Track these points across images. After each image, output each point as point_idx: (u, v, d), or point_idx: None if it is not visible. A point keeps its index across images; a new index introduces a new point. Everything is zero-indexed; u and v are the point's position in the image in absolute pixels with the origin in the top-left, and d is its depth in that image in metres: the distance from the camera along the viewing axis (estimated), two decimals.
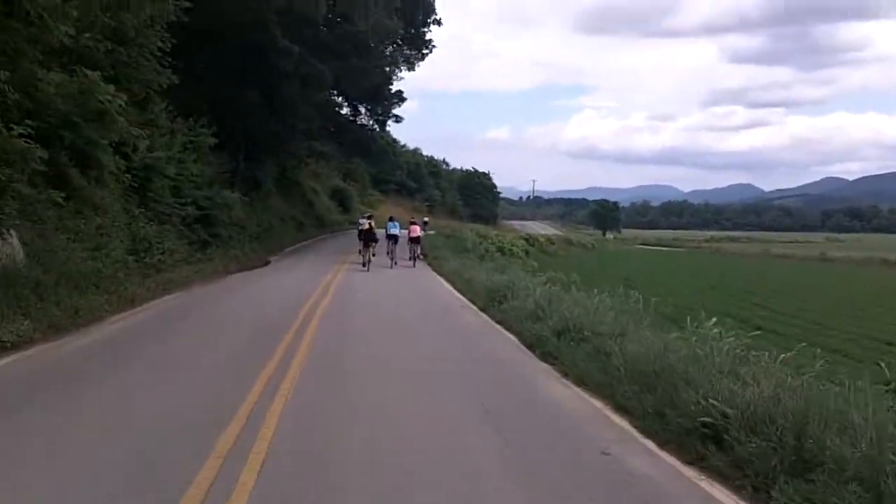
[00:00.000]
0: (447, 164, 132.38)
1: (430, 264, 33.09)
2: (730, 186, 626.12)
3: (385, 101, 56.53)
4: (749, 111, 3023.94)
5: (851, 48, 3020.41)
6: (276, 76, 35.88)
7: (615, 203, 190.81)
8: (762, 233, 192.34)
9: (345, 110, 57.46)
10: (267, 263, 30.40)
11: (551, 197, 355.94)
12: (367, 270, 28.98)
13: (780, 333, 26.12)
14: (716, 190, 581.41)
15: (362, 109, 57.68)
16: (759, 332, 26.98)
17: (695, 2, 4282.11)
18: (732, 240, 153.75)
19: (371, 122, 58.77)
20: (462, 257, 33.62)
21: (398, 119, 59.82)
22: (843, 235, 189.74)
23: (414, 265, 32.01)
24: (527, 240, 77.40)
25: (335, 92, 51.15)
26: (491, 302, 17.58)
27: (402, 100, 58.47)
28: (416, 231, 33.60)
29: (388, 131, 71.43)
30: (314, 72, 37.81)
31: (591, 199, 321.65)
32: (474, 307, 18.70)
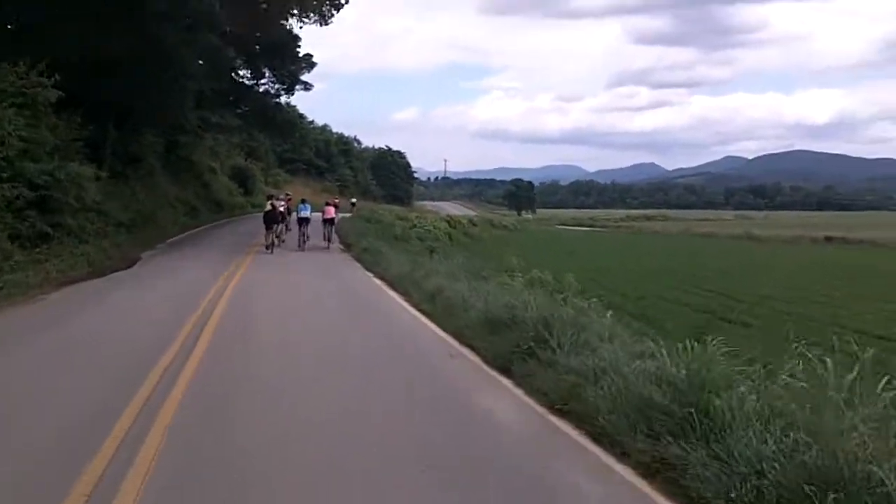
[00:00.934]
0: (359, 143, 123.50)
1: (360, 259, 25.21)
2: (634, 166, 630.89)
3: (292, 65, 47.93)
4: (653, 92, 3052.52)
5: (751, 29, 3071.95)
6: (150, 16, 27.26)
7: (530, 183, 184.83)
8: (675, 211, 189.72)
9: (243, 73, 48.50)
10: (134, 263, 22.08)
11: (460, 177, 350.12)
12: (271, 253, 26.78)
13: (762, 329, 20.96)
14: (620, 169, 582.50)
15: (265, 72, 48.82)
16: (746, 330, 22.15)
17: None
18: (648, 218, 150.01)
19: (276, 89, 49.86)
20: (400, 249, 26.04)
21: (307, 87, 50.98)
22: (751, 213, 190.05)
23: (328, 247, 30.10)
24: (448, 222, 71.11)
25: (232, 48, 42.41)
26: (516, 354, 9.09)
27: (312, 65, 49.92)
28: (331, 212, 31.79)
29: (295, 107, 62.25)
30: (200, 8, 29.22)
31: (499, 178, 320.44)
32: (484, 366, 9.78)
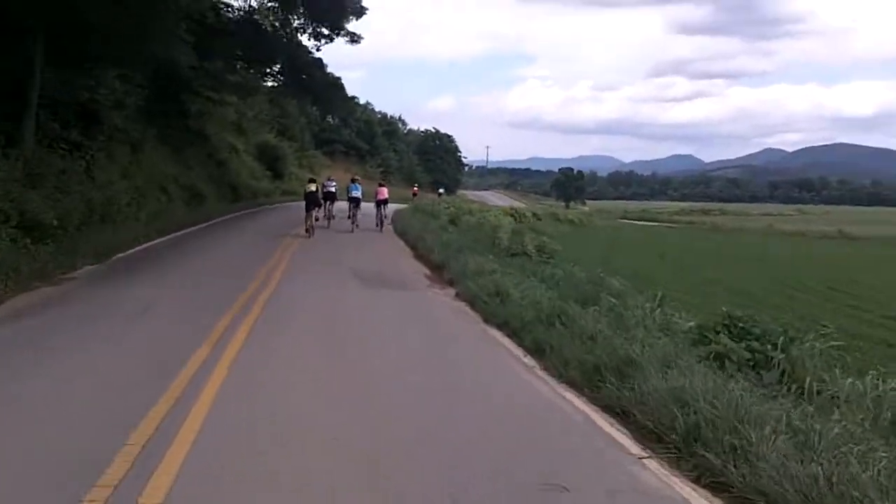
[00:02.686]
0: (404, 123, 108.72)
1: (504, 326, 10.46)
2: (671, 157, 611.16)
3: (336, 7, 33.98)
4: (691, 82, 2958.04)
5: (795, 19, 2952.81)
6: None
7: (580, 172, 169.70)
8: (733, 205, 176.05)
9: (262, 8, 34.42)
10: None
11: (494, 166, 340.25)
12: (309, 237, 23.47)
13: None
14: (657, 160, 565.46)
15: (295, 14, 34.79)
16: None
17: None
18: (704, 212, 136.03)
19: (312, 30, 35.63)
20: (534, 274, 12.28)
21: (354, 38, 36.90)
22: (808, 207, 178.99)
23: (381, 230, 27.98)
24: (513, 215, 58.82)
25: None
26: None
27: (361, 11, 36.08)
28: (384, 194, 29.80)
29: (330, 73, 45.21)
30: None
31: (534, 168, 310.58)
32: None
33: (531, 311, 10.19)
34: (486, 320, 11.09)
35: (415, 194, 56.10)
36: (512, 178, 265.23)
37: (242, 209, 34.72)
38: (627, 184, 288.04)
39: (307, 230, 24.00)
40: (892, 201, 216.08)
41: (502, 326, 10.47)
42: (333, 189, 29.41)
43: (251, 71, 39.38)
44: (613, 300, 10.89)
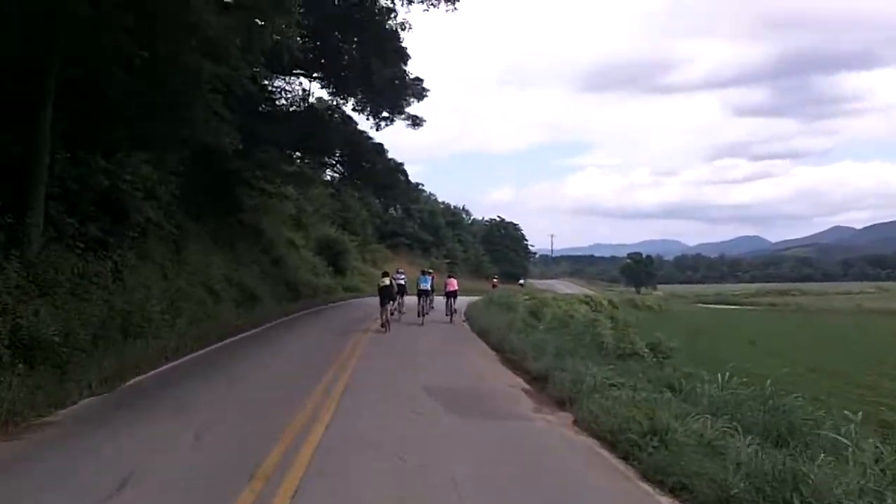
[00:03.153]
0: (468, 213, 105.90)
1: None
2: (736, 238, 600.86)
3: (394, 80, 31.33)
4: (752, 164, 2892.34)
5: (852, 98, 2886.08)
6: None
7: (648, 257, 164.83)
8: (807, 284, 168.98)
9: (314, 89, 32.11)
10: None
11: (558, 254, 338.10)
12: (386, 332, 22.85)
13: None
14: (722, 242, 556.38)
15: (351, 101, 32.40)
16: None
17: (694, 58, 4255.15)
18: (781, 293, 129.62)
19: (370, 113, 33.05)
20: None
21: (416, 122, 34.15)
22: (884, 284, 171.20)
23: (451, 321, 27.39)
24: (588, 303, 55.30)
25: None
26: None
27: (422, 92, 33.39)
28: (454, 285, 29.56)
29: (392, 158, 38.39)
30: None
31: (597, 255, 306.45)
32: None
33: (723, 464, 6.26)
34: (647, 478, 7.10)
35: (494, 286, 51.53)
36: (575, 265, 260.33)
37: (301, 309, 31.53)
38: (695, 267, 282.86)
39: (383, 325, 23.64)
40: None
41: (680, 493, 6.48)
42: (403, 281, 29.27)
43: (307, 162, 36.91)
44: (843, 439, 6.93)
